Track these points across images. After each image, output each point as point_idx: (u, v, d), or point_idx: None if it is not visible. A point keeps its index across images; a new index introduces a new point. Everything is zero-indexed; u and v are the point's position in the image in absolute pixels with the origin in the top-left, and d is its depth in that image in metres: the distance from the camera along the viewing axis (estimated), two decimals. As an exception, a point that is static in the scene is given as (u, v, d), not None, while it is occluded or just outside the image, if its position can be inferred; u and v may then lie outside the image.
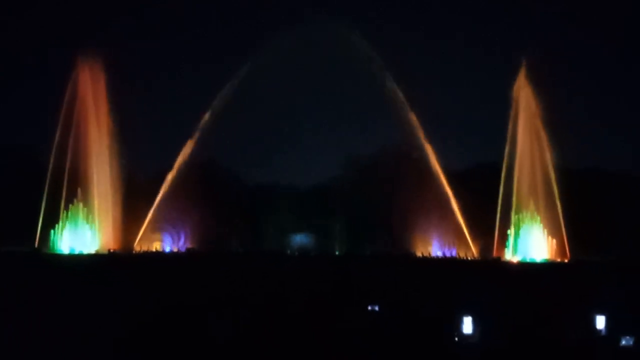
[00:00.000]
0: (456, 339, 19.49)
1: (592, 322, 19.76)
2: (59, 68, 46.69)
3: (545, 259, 44.94)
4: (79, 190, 44.21)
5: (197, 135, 51.19)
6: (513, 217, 45.85)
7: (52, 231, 43.32)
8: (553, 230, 45.79)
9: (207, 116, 50.96)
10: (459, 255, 45.65)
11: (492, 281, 32.11)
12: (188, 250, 47.26)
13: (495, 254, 45.42)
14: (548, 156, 46.66)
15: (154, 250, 46.45)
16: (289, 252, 50.27)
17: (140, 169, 56.25)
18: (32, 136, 51.62)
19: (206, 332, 20.74)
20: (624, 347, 17.35)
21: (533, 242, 45.79)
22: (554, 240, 45.43)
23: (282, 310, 23.96)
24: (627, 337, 17.17)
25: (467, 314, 19.50)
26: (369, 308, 24.05)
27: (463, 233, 46.00)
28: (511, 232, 45.76)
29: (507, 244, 45.78)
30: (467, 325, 19.28)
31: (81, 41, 46.23)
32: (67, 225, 43.77)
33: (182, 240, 47.28)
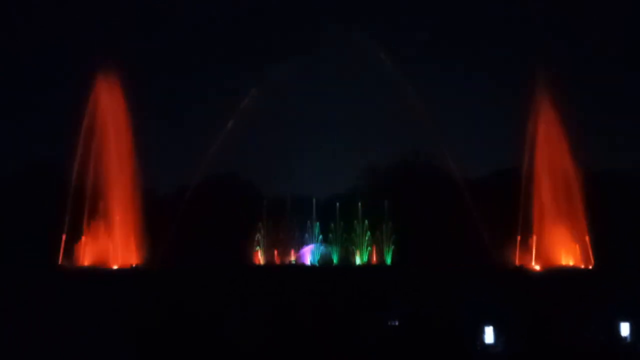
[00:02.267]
0: (478, 349, 19.34)
1: (617, 329, 19.52)
2: (79, 83, 47.19)
3: (569, 266, 44.34)
4: (100, 206, 44.64)
5: (216, 149, 51.53)
6: (535, 224, 45.33)
7: (74, 247, 43.73)
8: (576, 236, 45.16)
9: (226, 129, 51.34)
10: (480, 264, 45.03)
11: (515, 289, 31.78)
12: (208, 264, 47.19)
13: (517, 261, 44.91)
14: (569, 160, 46.14)
15: (175, 264, 46.52)
16: (310, 263, 50.26)
17: (161, 184, 56.91)
18: (55, 153, 52.26)
19: (226, 343, 20.82)
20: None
21: (556, 249, 45.20)
22: (578, 247, 44.81)
23: (302, 322, 23.94)
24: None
25: (488, 323, 19.36)
26: (389, 323, 23.97)
27: (484, 241, 45.55)
28: (533, 239, 45.23)
29: (529, 251, 45.24)
30: (489, 335, 19.16)
31: (99, 56, 46.68)
32: (90, 241, 44.16)
33: (203, 254, 47.32)
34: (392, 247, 50.00)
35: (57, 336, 21.31)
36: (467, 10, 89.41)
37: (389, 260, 49.89)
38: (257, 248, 51.01)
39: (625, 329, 19.17)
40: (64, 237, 43.11)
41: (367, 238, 51.04)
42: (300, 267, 48.91)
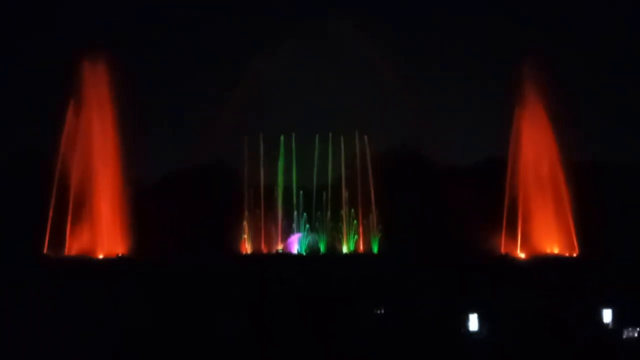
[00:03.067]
0: (463, 335, 19.50)
1: (599, 316, 19.73)
2: (65, 72, 46.70)
3: (554, 254, 44.72)
4: (86, 195, 44.33)
5: (203, 137, 51.34)
6: (520, 212, 45.61)
7: (60, 236, 43.42)
8: (561, 224, 45.51)
9: (213, 118, 51.18)
10: (465, 252, 45.23)
11: (500, 277, 32.06)
12: (194, 254, 46.92)
13: (503, 249, 45.23)
14: (554, 149, 46.43)
15: (161, 254, 46.31)
16: (297, 252, 50.33)
17: (147, 173, 56.56)
18: (40, 141, 51.69)
19: (214, 333, 20.83)
20: (628, 338, 17.32)
21: (541, 237, 45.54)
22: (562, 235, 45.16)
23: (291, 310, 24.00)
24: (630, 329, 17.16)
25: (473, 311, 19.51)
26: (377, 312, 24.12)
27: (470, 229, 45.76)
28: (519, 227, 45.53)
29: (514, 239, 45.55)
30: (473, 322, 19.30)
31: (85, 44, 46.30)
32: (75, 230, 43.88)
33: (189, 243, 47.14)
34: (379, 236, 50.17)
35: (41, 325, 21.22)
36: (457, 4, 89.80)
37: (375, 249, 50.05)
38: (244, 237, 50.95)
39: (607, 315, 19.38)
40: (49, 226, 42.85)
41: (353, 227, 51.16)
42: (287, 255, 48.96)
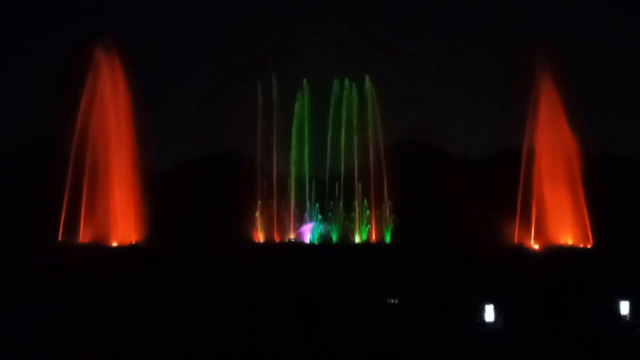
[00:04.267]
0: (478, 326, 19.46)
1: (616, 308, 19.61)
2: (79, 57, 46.71)
3: (568, 245, 44.47)
4: (100, 181, 44.46)
5: (217, 125, 51.32)
6: (534, 203, 45.34)
7: (74, 224, 43.62)
8: (576, 215, 45.22)
9: (226, 106, 51.13)
10: (479, 243, 45.06)
11: (515, 268, 31.93)
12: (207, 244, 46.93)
13: (516, 240, 45.02)
14: (570, 140, 46.06)
15: (174, 243, 46.40)
16: (309, 241, 50.38)
17: (160, 161, 56.75)
18: (54, 129, 51.83)
19: (225, 321, 20.92)
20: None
21: (555, 228, 45.27)
22: (577, 226, 44.88)
23: (303, 299, 24.03)
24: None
25: (488, 301, 19.46)
26: (391, 301, 24.15)
27: (484, 220, 45.60)
28: (532, 218, 45.29)
29: (528, 230, 45.33)
30: (489, 313, 19.26)
31: (100, 32, 46.37)
32: (89, 217, 44.05)
33: (202, 231, 47.26)
34: (391, 226, 50.09)
35: (54, 312, 21.39)
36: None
37: (388, 239, 49.98)
38: (257, 226, 51.03)
39: (624, 307, 19.25)
40: (63, 213, 43.10)
41: (366, 217, 51.10)
42: (299, 244, 49.04)
